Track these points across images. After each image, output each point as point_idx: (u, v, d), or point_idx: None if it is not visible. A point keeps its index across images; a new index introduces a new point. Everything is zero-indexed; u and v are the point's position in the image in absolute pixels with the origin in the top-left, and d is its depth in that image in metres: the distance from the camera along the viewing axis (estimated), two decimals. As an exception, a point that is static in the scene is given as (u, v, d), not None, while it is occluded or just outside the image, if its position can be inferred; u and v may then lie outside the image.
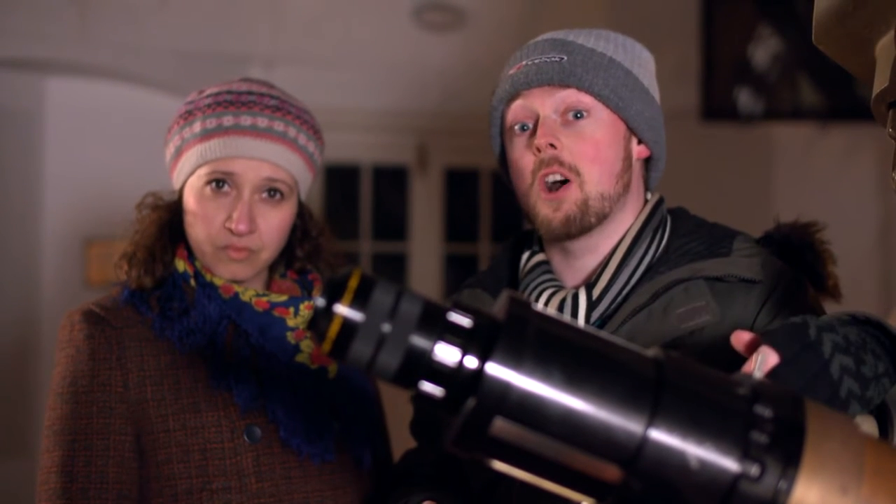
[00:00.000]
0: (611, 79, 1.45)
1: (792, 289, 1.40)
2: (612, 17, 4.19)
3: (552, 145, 1.43)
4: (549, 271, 1.52)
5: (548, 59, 1.45)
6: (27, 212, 4.58)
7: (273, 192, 1.58)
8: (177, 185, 1.63)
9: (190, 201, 1.59)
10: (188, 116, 1.59)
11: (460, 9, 4.52)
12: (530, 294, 1.49)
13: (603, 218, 1.45)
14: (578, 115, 1.44)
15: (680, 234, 1.50)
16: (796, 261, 1.47)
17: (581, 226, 1.44)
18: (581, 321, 1.43)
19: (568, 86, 1.44)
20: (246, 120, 1.57)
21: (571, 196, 1.43)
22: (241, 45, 4.41)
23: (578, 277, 1.51)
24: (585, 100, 1.44)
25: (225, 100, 1.58)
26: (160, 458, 1.51)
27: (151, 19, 4.28)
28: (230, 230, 1.55)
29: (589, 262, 1.49)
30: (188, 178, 1.60)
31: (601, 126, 1.45)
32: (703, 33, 4.40)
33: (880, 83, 1.06)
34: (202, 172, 1.57)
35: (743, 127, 4.38)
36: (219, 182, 1.56)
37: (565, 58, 1.45)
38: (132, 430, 1.51)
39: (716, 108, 4.39)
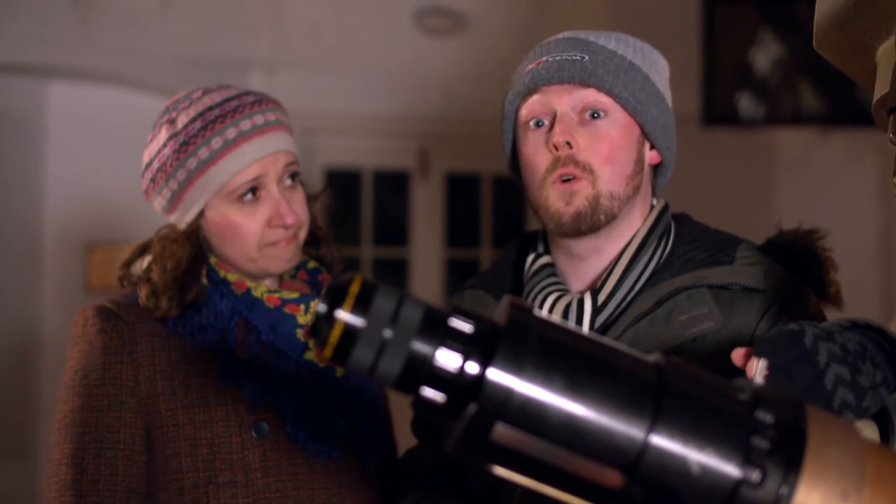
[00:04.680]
0: (630, 82, 1.45)
1: (794, 297, 1.41)
2: (613, 23, 4.20)
3: (569, 144, 1.43)
4: (555, 274, 1.52)
5: (569, 58, 1.45)
6: (28, 217, 4.58)
7: (292, 176, 1.64)
8: (189, 217, 1.61)
9: (222, 219, 1.60)
10: (186, 147, 1.58)
11: (461, 14, 4.53)
12: (535, 297, 1.49)
13: (612, 218, 1.45)
14: (595, 114, 1.45)
15: (684, 241, 1.50)
16: (798, 267, 1.48)
17: (591, 223, 1.44)
18: (585, 326, 1.44)
19: (588, 85, 1.44)
20: (245, 124, 1.58)
21: (583, 190, 1.43)
22: (242, 50, 4.41)
23: (584, 281, 1.51)
24: (604, 100, 1.45)
25: (215, 115, 1.58)
26: (168, 452, 1.53)
27: (152, 24, 4.29)
28: (280, 227, 1.59)
29: (595, 266, 1.50)
30: (208, 201, 1.59)
31: (617, 127, 1.45)
32: (704, 38, 4.41)
33: (881, 89, 1.06)
34: (229, 189, 1.58)
35: (744, 132, 4.39)
36: (251, 189, 1.58)
37: (587, 57, 1.45)
38: (142, 423, 1.54)
39: (717, 112, 4.39)
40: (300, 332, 1.61)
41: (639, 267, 1.46)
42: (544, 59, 1.47)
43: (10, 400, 4.45)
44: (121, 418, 1.52)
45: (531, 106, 1.47)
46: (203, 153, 1.57)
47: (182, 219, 1.62)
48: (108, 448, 1.51)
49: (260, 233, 1.59)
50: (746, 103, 4.40)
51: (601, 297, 1.45)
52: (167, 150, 1.59)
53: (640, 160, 1.48)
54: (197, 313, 1.58)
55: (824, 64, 1.20)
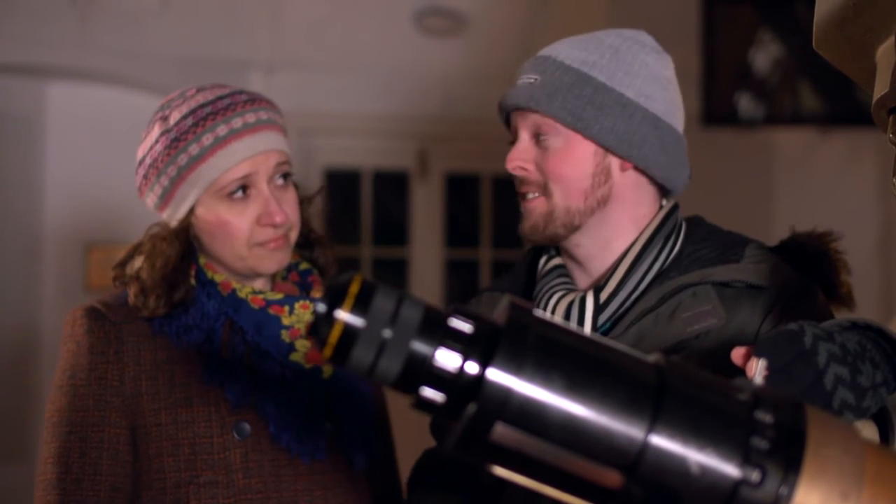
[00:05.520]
0: (572, 98, 1.46)
1: (799, 295, 1.41)
2: (612, 24, 4.18)
3: (522, 167, 1.51)
4: (565, 275, 1.55)
5: (525, 81, 1.51)
6: (28, 217, 4.59)
7: (284, 175, 1.63)
8: (179, 214, 1.61)
9: (212, 216, 1.59)
10: (177, 144, 1.58)
11: (461, 14, 4.53)
12: (543, 296, 1.52)
13: (572, 229, 1.50)
14: (543, 136, 1.49)
15: (693, 241, 1.52)
16: (810, 269, 1.48)
17: (546, 235, 1.51)
18: (588, 324, 1.46)
19: (532, 109, 1.49)
20: (236, 122, 1.58)
21: (538, 209, 1.51)
22: (242, 51, 4.41)
23: (590, 281, 1.54)
24: (548, 122, 1.48)
25: (207, 113, 1.58)
26: (151, 451, 1.54)
27: (152, 24, 4.29)
28: (269, 226, 1.58)
29: (599, 266, 1.52)
30: (198, 198, 1.59)
31: (565, 145, 1.48)
32: (703, 38, 4.41)
33: (880, 89, 1.06)
34: (219, 185, 1.57)
35: (743, 132, 4.39)
36: (241, 187, 1.58)
37: (538, 79, 1.49)
38: (127, 423, 1.54)
39: (716, 113, 4.39)
40: (285, 333, 1.60)
41: (643, 266, 1.48)
42: (517, 81, 1.53)
43: (10, 400, 4.45)
44: (105, 418, 1.53)
45: (512, 129, 1.55)
46: (193, 150, 1.57)
47: (173, 216, 1.61)
48: (93, 447, 1.52)
49: (249, 231, 1.58)
50: (746, 103, 4.40)
51: (603, 296, 1.46)
52: (159, 147, 1.59)
53: (600, 172, 1.49)
54: (184, 313, 1.58)
55: (824, 64, 1.20)
